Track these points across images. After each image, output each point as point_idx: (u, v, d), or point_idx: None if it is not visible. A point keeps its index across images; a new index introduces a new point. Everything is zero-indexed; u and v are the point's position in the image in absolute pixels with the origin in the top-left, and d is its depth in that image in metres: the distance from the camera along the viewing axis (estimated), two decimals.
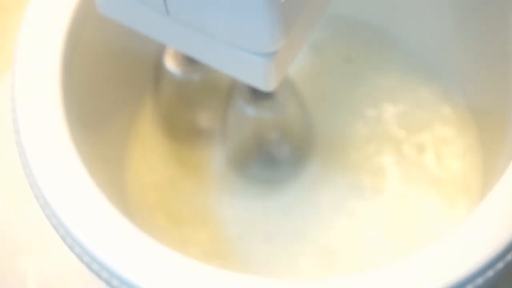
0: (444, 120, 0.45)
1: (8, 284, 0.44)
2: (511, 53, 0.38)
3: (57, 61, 0.36)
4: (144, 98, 0.46)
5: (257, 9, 0.27)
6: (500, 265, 0.30)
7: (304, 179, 0.43)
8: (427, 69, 0.46)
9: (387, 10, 0.47)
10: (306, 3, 0.30)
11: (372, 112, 0.45)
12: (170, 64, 0.40)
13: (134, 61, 0.43)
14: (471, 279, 0.30)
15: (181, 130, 0.45)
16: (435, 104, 0.45)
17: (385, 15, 0.47)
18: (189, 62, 0.40)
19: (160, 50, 0.41)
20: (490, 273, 0.30)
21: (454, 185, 0.43)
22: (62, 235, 0.32)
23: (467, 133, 0.44)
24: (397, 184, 0.43)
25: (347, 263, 0.40)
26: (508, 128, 0.39)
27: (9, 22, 0.52)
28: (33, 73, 0.35)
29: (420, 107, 0.45)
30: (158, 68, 0.41)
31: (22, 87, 0.35)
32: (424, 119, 0.45)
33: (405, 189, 0.43)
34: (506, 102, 0.39)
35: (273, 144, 0.44)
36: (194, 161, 0.44)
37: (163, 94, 0.43)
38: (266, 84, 0.31)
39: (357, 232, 0.41)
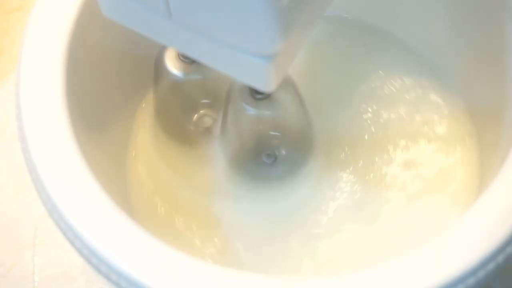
0: (443, 120, 0.45)
1: (15, 279, 0.44)
2: (507, 55, 0.39)
3: (61, 61, 0.36)
4: (145, 97, 0.46)
5: (258, 12, 0.27)
6: (500, 257, 0.31)
7: (303, 177, 0.43)
8: (427, 70, 0.46)
9: (387, 11, 0.47)
10: (306, 5, 0.30)
11: (371, 111, 0.45)
12: (171, 64, 0.41)
13: (136, 61, 0.43)
14: (463, 279, 0.30)
15: (181, 129, 0.45)
16: (434, 105, 0.45)
17: (385, 16, 0.47)
18: (190, 62, 0.41)
19: (161, 51, 0.41)
20: (481, 274, 0.30)
21: (452, 184, 0.43)
22: (63, 227, 0.33)
23: (464, 132, 0.44)
24: (396, 183, 0.43)
25: (346, 262, 0.41)
26: (503, 127, 0.39)
27: (13, 23, 0.53)
28: (37, 73, 0.36)
29: (419, 107, 0.45)
30: (158, 68, 0.42)
31: (27, 87, 0.35)
32: (422, 119, 0.45)
33: (403, 188, 0.43)
34: (502, 103, 0.40)
35: (273, 143, 0.44)
36: (194, 160, 0.44)
37: (163, 94, 0.43)
38: (266, 85, 0.32)
39: (356, 231, 0.42)
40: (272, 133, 0.43)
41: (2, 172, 0.47)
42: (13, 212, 0.46)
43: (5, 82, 0.50)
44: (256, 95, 0.39)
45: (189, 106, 0.45)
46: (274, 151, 0.44)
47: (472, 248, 0.31)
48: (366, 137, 0.45)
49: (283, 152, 0.44)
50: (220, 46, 0.30)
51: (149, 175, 0.44)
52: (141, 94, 0.46)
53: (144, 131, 0.45)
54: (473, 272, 0.30)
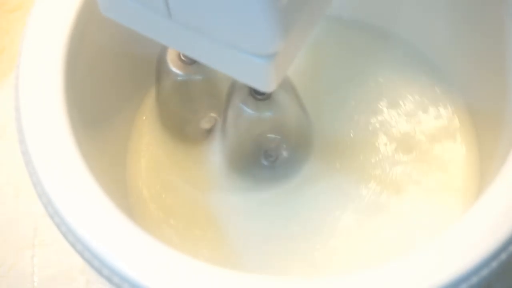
0: (443, 120, 0.45)
1: (14, 279, 0.44)
2: (507, 55, 0.39)
3: (60, 61, 0.36)
4: (146, 97, 0.46)
5: (258, 12, 0.27)
6: (501, 257, 0.31)
7: (303, 178, 0.43)
8: (427, 69, 0.46)
9: (387, 11, 0.47)
10: (306, 5, 0.30)
11: (371, 112, 0.45)
12: (172, 64, 0.41)
13: (136, 61, 0.43)
14: (466, 278, 0.30)
15: (182, 129, 0.45)
16: (434, 104, 0.45)
17: (385, 16, 0.47)
18: (190, 62, 0.41)
19: (161, 51, 0.41)
20: (484, 272, 0.30)
21: (452, 184, 0.43)
22: (64, 230, 0.33)
23: (465, 132, 0.44)
24: (396, 183, 0.43)
25: (346, 262, 0.41)
26: (503, 127, 0.39)
27: (13, 23, 0.53)
28: (37, 73, 0.36)
29: (419, 107, 0.45)
30: (159, 68, 0.42)
31: (26, 88, 0.35)
32: (422, 119, 0.45)
33: (403, 188, 0.43)
34: (502, 103, 0.40)
35: (272, 143, 0.44)
36: (195, 160, 0.45)
37: (164, 93, 0.43)
38: (266, 85, 0.32)
39: (356, 231, 0.42)
40: (272, 134, 0.43)
41: (2, 172, 0.47)
42: (13, 212, 0.46)
43: (5, 82, 0.50)
44: (256, 95, 0.39)
45: (190, 106, 0.45)
46: (274, 151, 0.44)
47: (472, 248, 0.31)
48: (366, 137, 0.45)
49: (283, 152, 0.44)
50: (220, 46, 0.30)
51: (149, 175, 0.44)
52: (141, 94, 0.46)
53: (144, 131, 0.45)
54: (473, 272, 0.30)
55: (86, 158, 0.34)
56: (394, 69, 0.47)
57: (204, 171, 0.44)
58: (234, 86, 0.40)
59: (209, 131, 0.45)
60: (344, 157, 0.44)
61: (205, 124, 0.45)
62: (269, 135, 0.43)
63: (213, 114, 0.45)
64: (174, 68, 0.41)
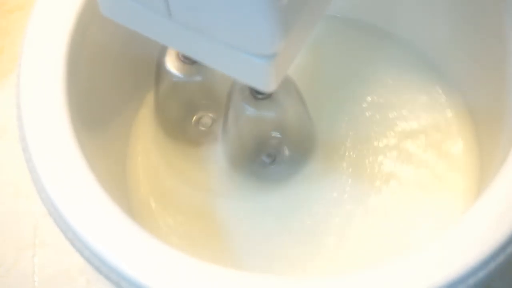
0: (443, 120, 0.45)
1: (15, 279, 0.44)
2: (507, 55, 0.39)
3: (61, 61, 0.36)
4: (146, 98, 0.46)
5: (258, 12, 0.27)
6: (501, 257, 0.31)
7: (304, 177, 0.43)
8: (427, 70, 0.46)
9: (387, 11, 0.47)
10: (306, 5, 0.30)
11: (372, 111, 0.45)
12: (172, 65, 0.41)
13: (137, 62, 0.44)
14: (463, 279, 0.30)
15: (181, 130, 0.45)
16: (434, 104, 0.45)
17: (385, 16, 0.47)
18: (190, 63, 0.41)
19: (161, 52, 0.41)
20: (481, 274, 0.30)
21: (452, 184, 0.43)
22: (63, 228, 0.33)
23: (465, 132, 0.44)
24: (396, 183, 0.43)
25: (346, 262, 0.41)
26: (503, 127, 0.39)
27: (14, 23, 0.53)
28: (38, 72, 0.36)
29: (419, 107, 0.45)
30: (159, 69, 0.42)
31: (27, 86, 0.35)
32: (422, 119, 0.45)
33: (403, 187, 0.43)
34: (502, 103, 0.40)
35: (273, 143, 0.44)
36: (194, 160, 0.45)
37: (164, 94, 0.43)
38: (266, 85, 0.32)
39: (356, 231, 0.42)
40: (273, 133, 0.43)
41: (2, 172, 0.48)
42: (13, 212, 0.46)
43: (5, 82, 0.50)
44: (256, 95, 0.39)
45: (189, 107, 0.45)
46: (275, 151, 0.44)
47: (472, 248, 0.31)
48: (366, 136, 0.45)
49: (284, 152, 0.44)
50: (220, 46, 0.30)
51: (149, 175, 0.44)
52: (141, 94, 0.46)
53: (144, 131, 0.45)
54: (473, 272, 0.30)
55: (87, 157, 0.34)
56: (394, 69, 0.47)
57: (204, 171, 0.44)
58: (234, 86, 0.40)
59: (209, 132, 0.45)
60: (345, 156, 0.44)
61: (205, 125, 0.45)
62: (270, 134, 0.43)
63: (212, 115, 0.45)
64: (173, 69, 0.41)
